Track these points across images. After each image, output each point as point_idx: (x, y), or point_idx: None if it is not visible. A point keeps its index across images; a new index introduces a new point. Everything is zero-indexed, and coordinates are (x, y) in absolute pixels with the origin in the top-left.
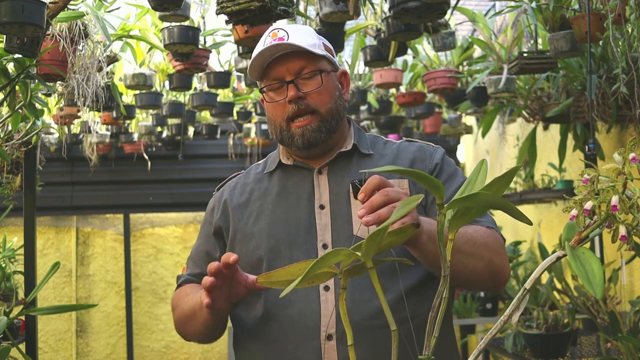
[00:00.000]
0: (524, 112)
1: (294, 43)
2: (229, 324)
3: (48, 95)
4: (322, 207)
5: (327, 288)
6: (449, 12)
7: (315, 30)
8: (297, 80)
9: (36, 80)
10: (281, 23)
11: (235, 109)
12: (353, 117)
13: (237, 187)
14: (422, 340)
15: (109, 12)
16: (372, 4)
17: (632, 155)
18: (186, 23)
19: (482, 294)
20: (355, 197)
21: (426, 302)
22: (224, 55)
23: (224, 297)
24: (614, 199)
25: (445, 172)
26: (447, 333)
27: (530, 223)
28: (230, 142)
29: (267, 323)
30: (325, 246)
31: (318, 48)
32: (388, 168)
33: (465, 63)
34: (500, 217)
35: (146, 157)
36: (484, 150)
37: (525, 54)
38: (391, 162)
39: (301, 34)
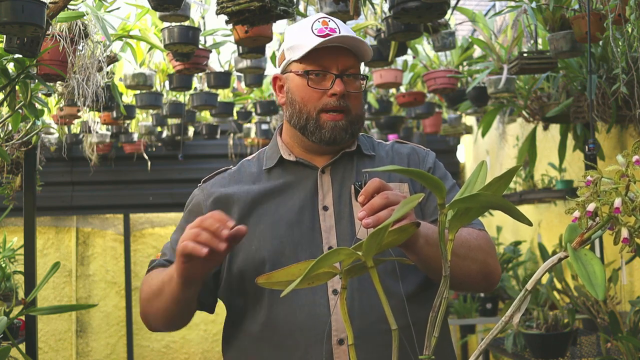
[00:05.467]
0: (524, 112)
1: (353, 37)
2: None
3: (48, 95)
4: (325, 208)
5: (335, 292)
6: (449, 12)
7: None
8: (343, 76)
9: (36, 80)
10: (281, 23)
11: (235, 109)
12: None
13: (230, 184)
14: (423, 344)
15: (109, 12)
16: (372, 4)
17: (635, 157)
18: (186, 23)
19: (482, 294)
20: (357, 200)
21: (426, 307)
22: (224, 55)
23: (200, 265)
24: (617, 202)
25: (436, 175)
26: (445, 333)
27: (530, 224)
28: (230, 142)
29: (275, 328)
30: (330, 249)
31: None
32: (390, 168)
33: (465, 63)
34: (500, 217)
35: (146, 157)
36: (484, 150)
37: (525, 54)
38: (389, 163)
39: (350, 31)
